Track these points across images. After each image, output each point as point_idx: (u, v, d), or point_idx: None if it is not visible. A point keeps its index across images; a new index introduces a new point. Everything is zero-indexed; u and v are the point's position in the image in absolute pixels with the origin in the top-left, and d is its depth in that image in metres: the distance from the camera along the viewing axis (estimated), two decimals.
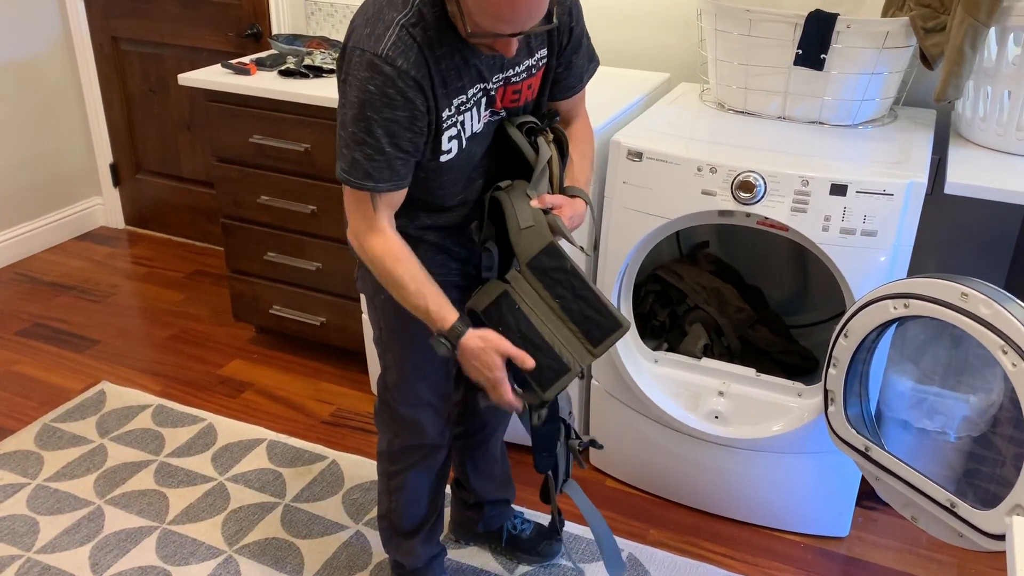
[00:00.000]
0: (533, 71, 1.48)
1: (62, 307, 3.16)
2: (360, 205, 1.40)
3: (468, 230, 1.57)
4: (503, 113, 1.49)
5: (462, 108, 1.40)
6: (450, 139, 1.41)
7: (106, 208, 3.82)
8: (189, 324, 3.07)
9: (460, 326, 1.43)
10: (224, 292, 3.26)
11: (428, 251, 1.56)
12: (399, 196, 1.43)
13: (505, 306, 1.46)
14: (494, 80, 1.43)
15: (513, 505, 2.10)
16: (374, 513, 2.17)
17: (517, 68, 1.45)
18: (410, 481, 1.79)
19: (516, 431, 2.29)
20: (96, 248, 3.64)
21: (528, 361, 1.43)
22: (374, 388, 2.63)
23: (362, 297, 2.48)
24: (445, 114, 1.37)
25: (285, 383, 2.73)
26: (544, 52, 1.48)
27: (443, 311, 1.43)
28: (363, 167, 1.35)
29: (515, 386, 1.48)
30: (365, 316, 2.50)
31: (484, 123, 1.46)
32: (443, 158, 1.42)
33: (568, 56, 1.53)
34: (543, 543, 2.06)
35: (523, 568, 2.04)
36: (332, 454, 2.39)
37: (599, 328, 1.45)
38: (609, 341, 1.46)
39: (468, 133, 1.44)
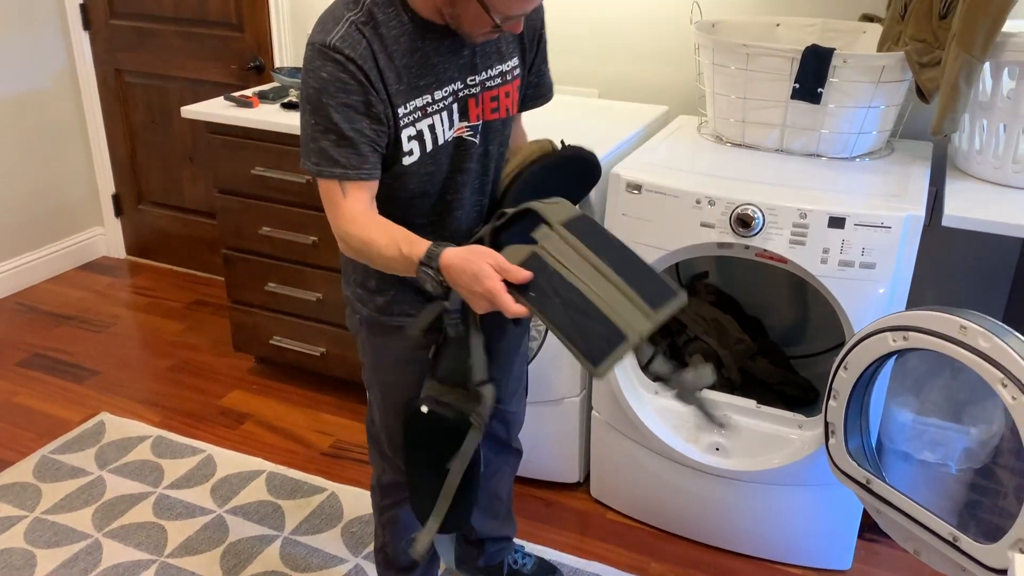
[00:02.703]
0: (508, 78, 1.49)
1: (62, 337, 3.16)
2: (334, 198, 1.38)
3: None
4: (480, 127, 1.47)
5: (429, 110, 1.40)
6: (410, 139, 1.39)
7: (108, 238, 3.83)
8: (189, 354, 3.07)
9: (436, 247, 1.33)
10: (224, 322, 3.26)
11: (403, 291, 1.54)
12: (371, 187, 1.39)
13: (536, 269, 1.26)
14: (470, 82, 1.43)
15: (514, 539, 2.09)
16: (373, 546, 2.15)
17: (491, 72, 1.46)
18: (400, 517, 1.79)
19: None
20: (97, 278, 3.65)
21: (521, 273, 1.27)
22: None
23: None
24: (401, 111, 1.37)
25: (285, 414, 2.73)
26: (516, 61, 1.50)
27: (415, 245, 1.35)
28: (329, 154, 1.34)
29: (518, 296, 1.28)
30: None
31: (458, 135, 1.45)
32: (406, 160, 1.40)
33: (539, 65, 1.58)
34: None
35: None
36: (331, 486, 2.38)
37: (654, 294, 1.23)
38: (668, 308, 1.23)
39: (440, 140, 1.42)
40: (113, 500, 2.31)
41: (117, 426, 2.63)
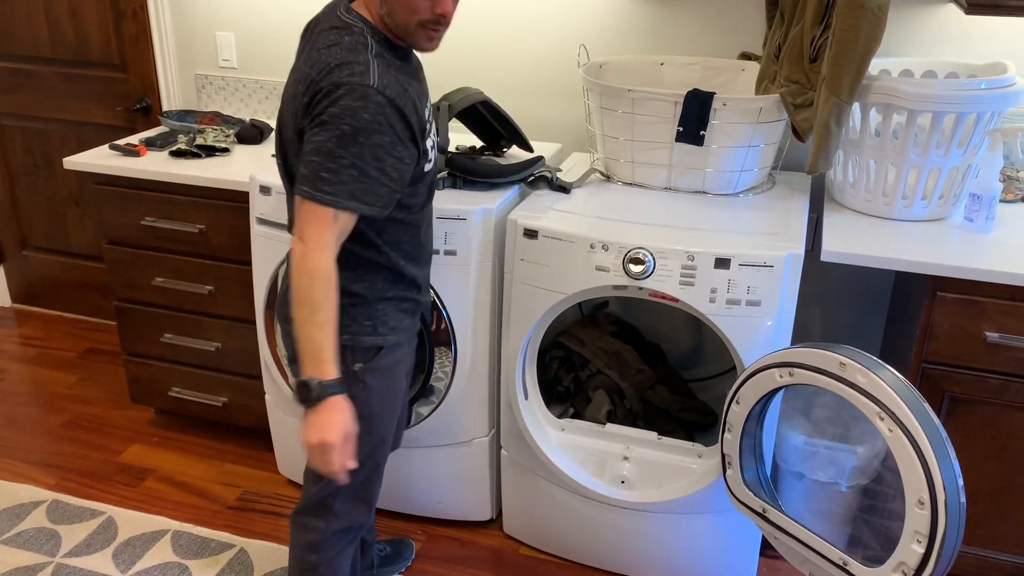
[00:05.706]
0: None
1: None
2: (322, 223, 1.44)
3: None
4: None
5: (428, 128, 1.59)
6: (431, 147, 1.62)
7: None
8: (84, 408, 2.95)
9: (338, 384, 1.46)
10: (120, 370, 3.15)
11: (403, 315, 1.70)
12: (351, 223, 1.49)
13: None
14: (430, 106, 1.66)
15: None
16: None
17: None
18: (341, 564, 1.81)
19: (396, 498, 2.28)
20: None
21: (350, 464, 1.48)
22: (281, 469, 2.58)
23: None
24: (415, 120, 1.51)
25: (188, 467, 2.66)
26: None
27: (332, 361, 1.46)
28: (348, 188, 1.43)
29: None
30: (269, 397, 2.46)
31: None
32: (426, 167, 1.61)
33: None
34: (403, 547, 2.29)
35: None
36: (240, 541, 2.33)
37: None
38: None
39: (433, 153, 1.66)
40: (6, 575, 2.21)
41: (8, 492, 2.51)
